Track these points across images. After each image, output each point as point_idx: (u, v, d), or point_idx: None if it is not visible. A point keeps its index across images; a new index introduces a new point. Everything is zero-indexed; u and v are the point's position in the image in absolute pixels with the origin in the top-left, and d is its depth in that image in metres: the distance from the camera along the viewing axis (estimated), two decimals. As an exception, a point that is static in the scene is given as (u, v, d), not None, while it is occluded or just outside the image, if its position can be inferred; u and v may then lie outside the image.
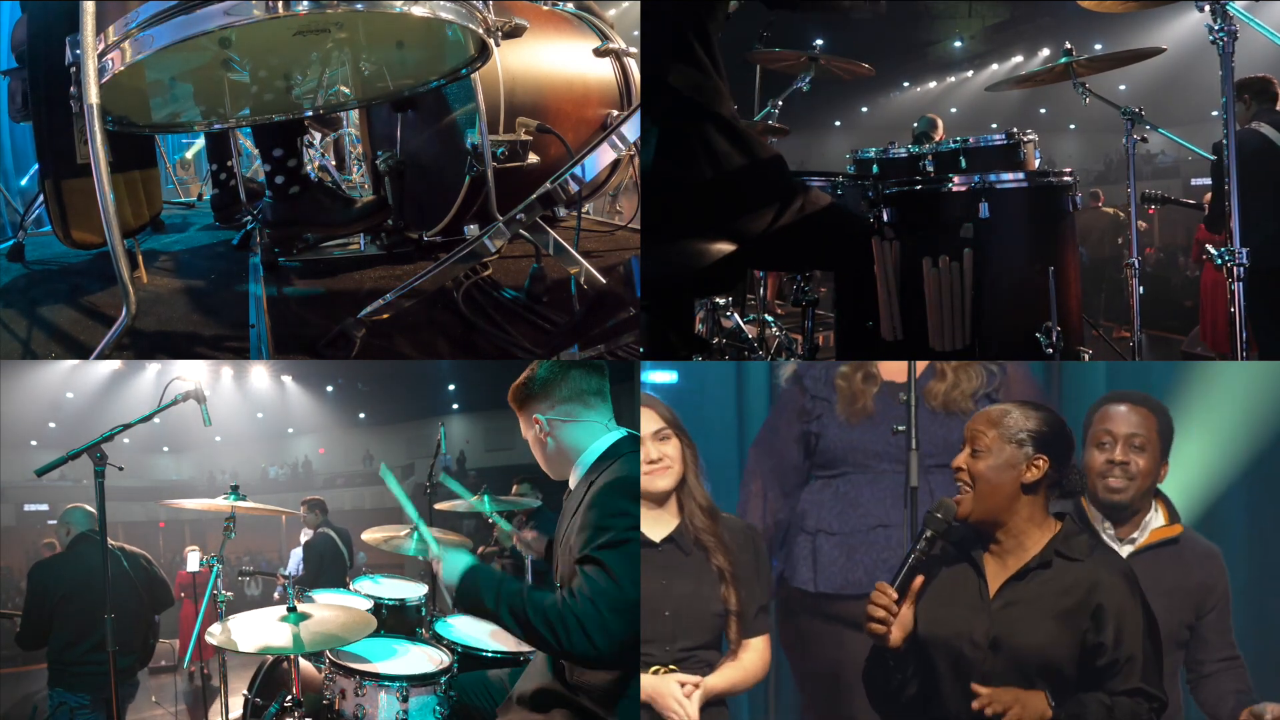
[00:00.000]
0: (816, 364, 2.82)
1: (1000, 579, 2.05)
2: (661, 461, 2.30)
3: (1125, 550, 2.35)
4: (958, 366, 2.70)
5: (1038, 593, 2.01)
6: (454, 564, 2.08)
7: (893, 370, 2.75)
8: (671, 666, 2.22)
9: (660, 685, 2.20)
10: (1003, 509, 2.05)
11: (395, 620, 3.19)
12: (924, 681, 2.05)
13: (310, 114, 3.22)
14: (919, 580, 2.03)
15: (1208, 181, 5.05)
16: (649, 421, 2.32)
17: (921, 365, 2.72)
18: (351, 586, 3.54)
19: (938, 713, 2.04)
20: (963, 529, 2.08)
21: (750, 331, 3.94)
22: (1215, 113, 3.29)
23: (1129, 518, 2.37)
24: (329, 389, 13.60)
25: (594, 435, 2.17)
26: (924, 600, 2.05)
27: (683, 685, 2.20)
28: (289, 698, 2.60)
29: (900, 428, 2.60)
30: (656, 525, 2.30)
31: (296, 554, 5.77)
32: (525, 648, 2.65)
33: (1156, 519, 2.38)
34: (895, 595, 2.02)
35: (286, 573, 4.73)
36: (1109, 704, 1.92)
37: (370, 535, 3.54)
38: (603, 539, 1.94)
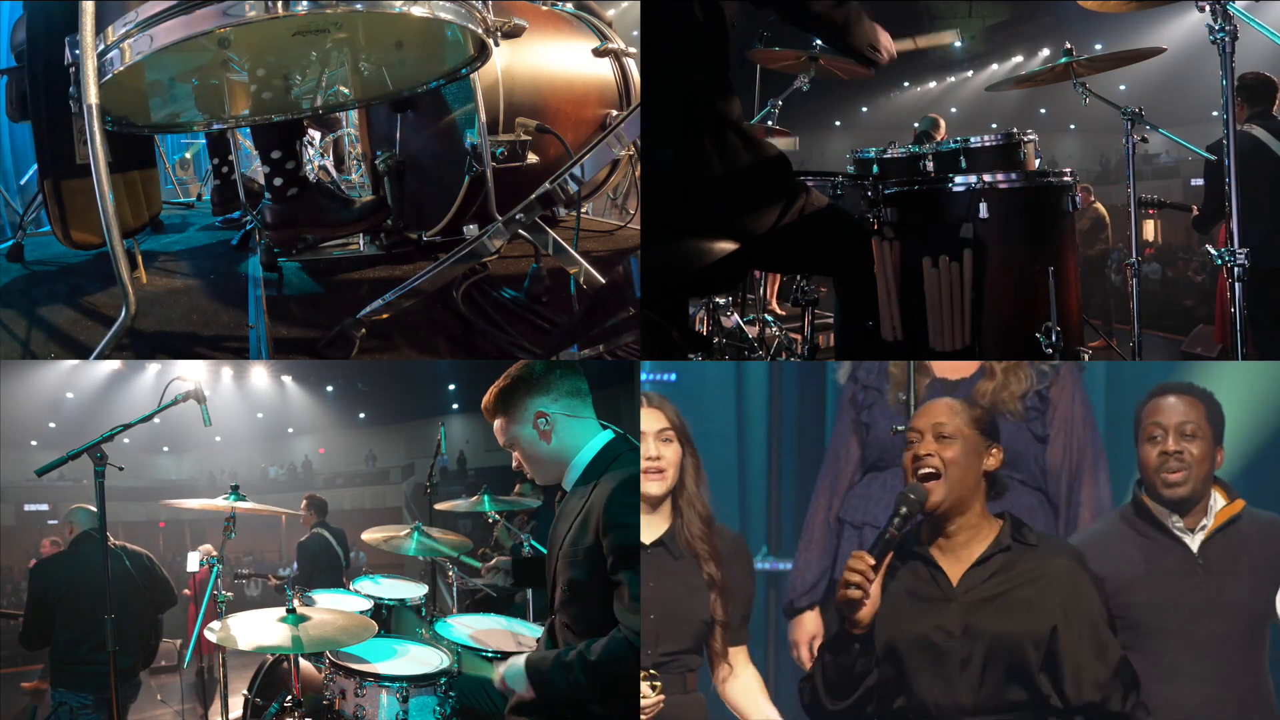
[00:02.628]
0: (871, 362, 2.82)
1: (959, 570, 2.08)
2: (659, 461, 2.27)
3: (1197, 540, 2.29)
4: (1007, 367, 2.68)
5: (1001, 579, 2.05)
6: (517, 675, 2.08)
7: (944, 369, 2.75)
8: (651, 671, 2.20)
9: None
10: (966, 498, 2.09)
11: (395, 620, 3.19)
12: (887, 677, 2.05)
13: (309, 114, 3.22)
14: (889, 557, 2.03)
15: (1207, 182, 5.05)
16: (654, 419, 2.30)
17: (946, 365, 2.73)
18: (351, 587, 3.55)
19: (911, 707, 2.04)
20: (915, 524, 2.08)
21: (750, 331, 3.94)
22: (1215, 113, 3.29)
23: (1193, 507, 2.32)
24: (329, 389, 13.59)
25: (590, 433, 2.17)
26: (886, 603, 2.05)
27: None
28: (289, 698, 2.61)
29: (900, 427, 2.60)
30: (647, 528, 2.28)
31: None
32: (525, 648, 2.65)
33: (1218, 502, 2.35)
34: (872, 562, 1.99)
35: (283, 573, 4.74)
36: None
37: (370, 535, 3.55)
38: (631, 541, 1.99)
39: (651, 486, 2.26)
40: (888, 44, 2.67)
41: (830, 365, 2.91)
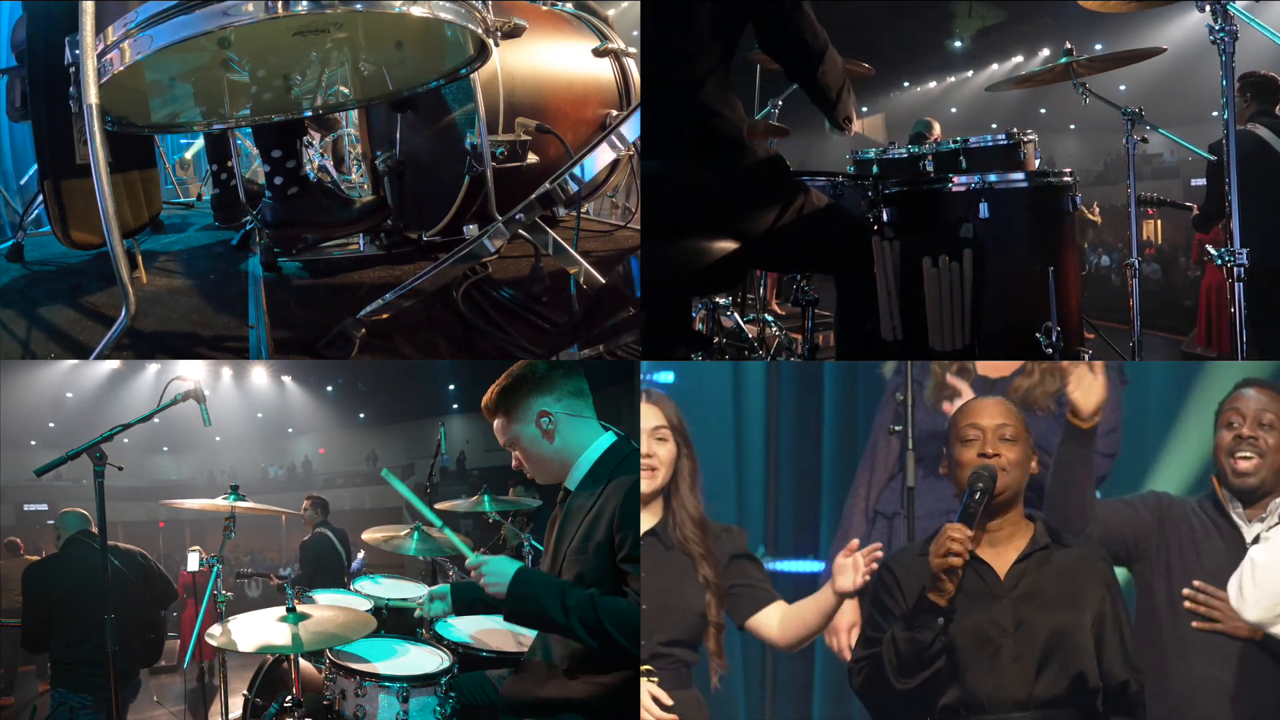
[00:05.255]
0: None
1: (1003, 566, 2.10)
2: (651, 459, 2.25)
3: (1254, 530, 2.28)
4: (1047, 368, 2.73)
5: (1044, 574, 2.09)
6: (501, 571, 2.03)
7: (986, 368, 2.77)
8: (647, 667, 2.18)
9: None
10: (1015, 499, 2.12)
11: (395, 620, 3.19)
12: (942, 670, 2.06)
13: (309, 114, 3.22)
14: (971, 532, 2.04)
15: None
16: (651, 416, 2.28)
17: (956, 365, 2.76)
18: (352, 587, 3.54)
19: (965, 700, 2.05)
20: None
21: (750, 331, 3.94)
22: (1215, 113, 3.28)
23: (1259, 498, 2.31)
24: (329, 389, 13.60)
25: (594, 433, 2.18)
26: None
27: (655, 700, 2.15)
28: (289, 698, 2.60)
29: (897, 427, 2.60)
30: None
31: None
32: (524, 648, 2.65)
33: None
34: (969, 532, 2.00)
35: (284, 573, 4.73)
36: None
37: (370, 535, 3.55)
38: (637, 536, 2.01)
39: (642, 483, 2.24)
40: (856, 120, 2.91)
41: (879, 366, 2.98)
